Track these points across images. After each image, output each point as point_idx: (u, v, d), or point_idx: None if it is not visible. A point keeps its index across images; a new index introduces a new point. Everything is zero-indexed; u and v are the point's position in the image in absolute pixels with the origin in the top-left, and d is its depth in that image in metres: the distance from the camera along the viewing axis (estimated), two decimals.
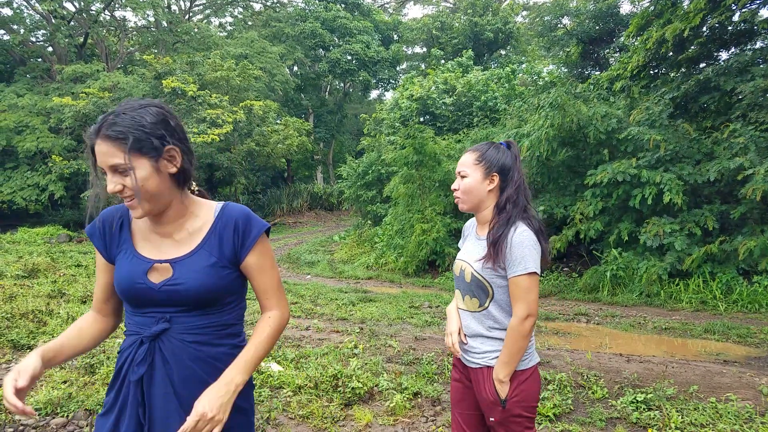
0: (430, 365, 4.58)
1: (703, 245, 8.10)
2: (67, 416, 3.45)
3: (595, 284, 8.81)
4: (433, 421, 3.53)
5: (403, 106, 19.87)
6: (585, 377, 4.27)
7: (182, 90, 20.50)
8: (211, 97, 20.99)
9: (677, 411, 3.54)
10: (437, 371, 4.48)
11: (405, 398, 3.80)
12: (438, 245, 11.39)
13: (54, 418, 3.43)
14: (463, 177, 1.98)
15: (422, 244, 11.56)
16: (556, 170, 10.33)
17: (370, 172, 17.41)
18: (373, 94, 42.50)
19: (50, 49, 25.37)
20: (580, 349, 5.49)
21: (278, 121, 27.10)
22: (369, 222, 17.66)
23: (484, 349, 1.94)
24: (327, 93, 38.36)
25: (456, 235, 11.09)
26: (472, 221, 2.15)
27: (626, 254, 8.77)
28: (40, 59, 25.55)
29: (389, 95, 36.54)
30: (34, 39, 25.31)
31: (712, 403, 3.68)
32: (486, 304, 1.93)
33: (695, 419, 3.41)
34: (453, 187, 2.02)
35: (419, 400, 3.89)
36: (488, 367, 1.92)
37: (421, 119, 19.73)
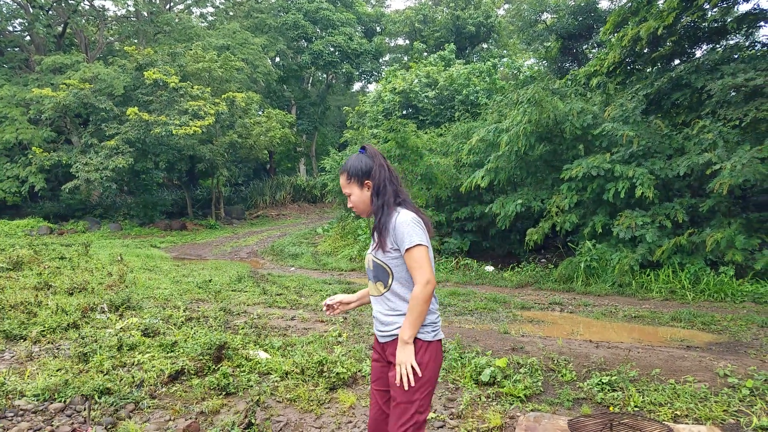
0: None
1: (673, 237, 8.45)
2: (65, 401, 3.61)
3: (569, 275, 9.12)
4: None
5: (386, 99, 20.02)
6: (555, 361, 4.54)
7: (164, 81, 20.37)
8: (193, 88, 20.87)
9: (638, 392, 3.82)
10: None
11: None
12: None
13: (52, 403, 3.59)
14: (349, 195, 2.29)
15: None
16: (533, 164, 10.60)
17: None
18: (356, 86, 42.54)
19: (28, 38, 24.92)
20: (552, 336, 5.77)
21: (261, 113, 27.03)
22: (352, 214, 17.82)
23: (399, 323, 2.19)
24: (310, 85, 38.28)
25: (437, 227, 11.31)
26: None
27: (600, 246, 9.09)
28: (17, 49, 25.11)
29: (372, 87, 36.61)
30: (11, 28, 24.85)
31: (671, 384, 3.97)
32: (389, 284, 2.21)
33: (654, 399, 3.70)
34: (348, 206, 2.31)
35: None
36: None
37: (404, 112, 19.90)
